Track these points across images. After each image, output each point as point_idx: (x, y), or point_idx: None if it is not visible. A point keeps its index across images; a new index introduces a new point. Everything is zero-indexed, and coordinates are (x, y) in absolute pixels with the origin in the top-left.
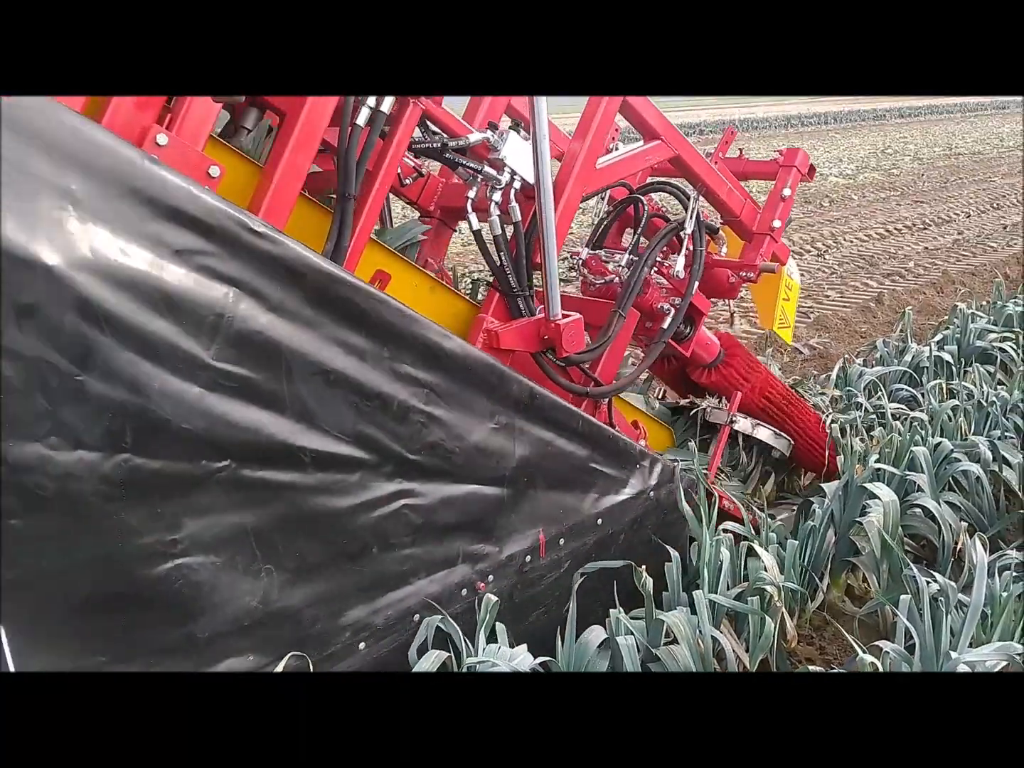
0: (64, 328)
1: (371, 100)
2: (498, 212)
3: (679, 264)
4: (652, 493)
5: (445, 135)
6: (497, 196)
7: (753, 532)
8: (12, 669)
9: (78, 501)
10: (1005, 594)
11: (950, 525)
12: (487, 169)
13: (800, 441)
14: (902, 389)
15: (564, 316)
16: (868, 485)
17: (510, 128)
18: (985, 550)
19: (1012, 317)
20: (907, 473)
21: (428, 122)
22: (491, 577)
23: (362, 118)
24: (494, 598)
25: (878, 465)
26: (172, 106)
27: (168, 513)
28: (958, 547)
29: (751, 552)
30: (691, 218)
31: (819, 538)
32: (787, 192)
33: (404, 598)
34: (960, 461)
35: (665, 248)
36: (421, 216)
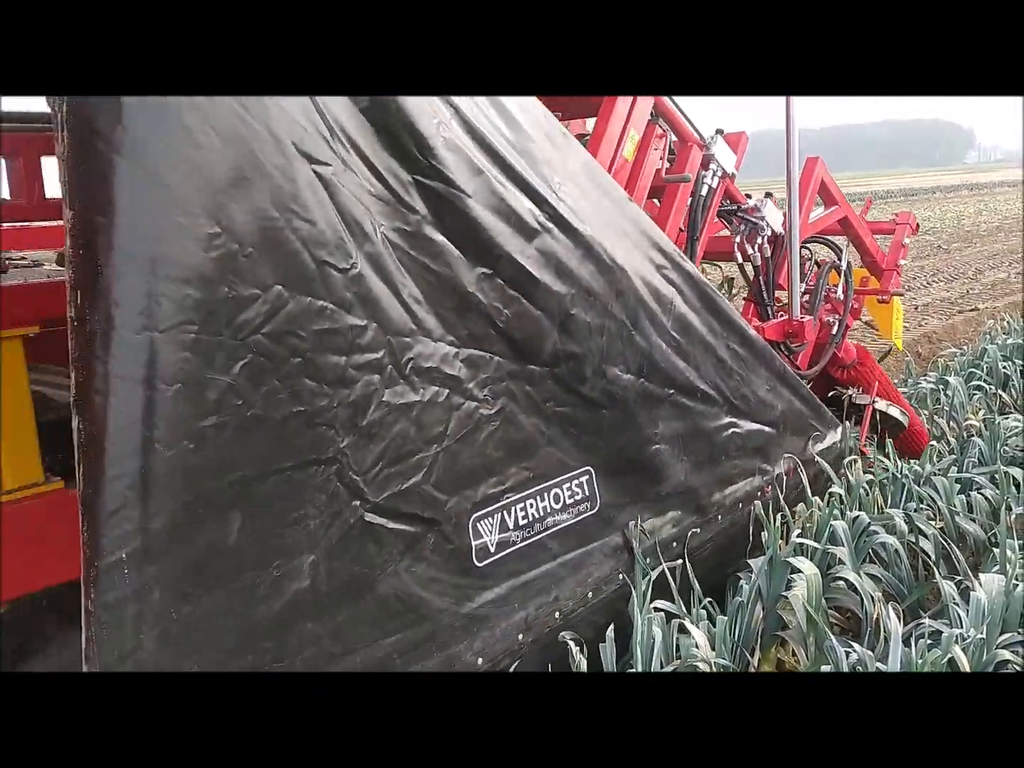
0: (629, 302)
1: (706, 179)
2: (757, 252)
3: (839, 290)
4: (838, 445)
5: (730, 202)
6: (759, 240)
7: (684, 610)
8: (599, 501)
9: (628, 403)
10: (920, 661)
11: (871, 596)
12: (760, 224)
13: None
14: None
15: (803, 317)
16: (791, 560)
17: (765, 196)
18: (900, 620)
19: (925, 393)
20: (828, 547)
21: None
22: (769, 487)
23: (703, 191)
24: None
25: (800, 540)
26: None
27: (654, 416)
28: (875, 617)
29: (683, 629)
30: (844, 261)
31: (748, 614)
32: (906, 241)
33: (734, 491)
34: (878, 533)
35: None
36: None
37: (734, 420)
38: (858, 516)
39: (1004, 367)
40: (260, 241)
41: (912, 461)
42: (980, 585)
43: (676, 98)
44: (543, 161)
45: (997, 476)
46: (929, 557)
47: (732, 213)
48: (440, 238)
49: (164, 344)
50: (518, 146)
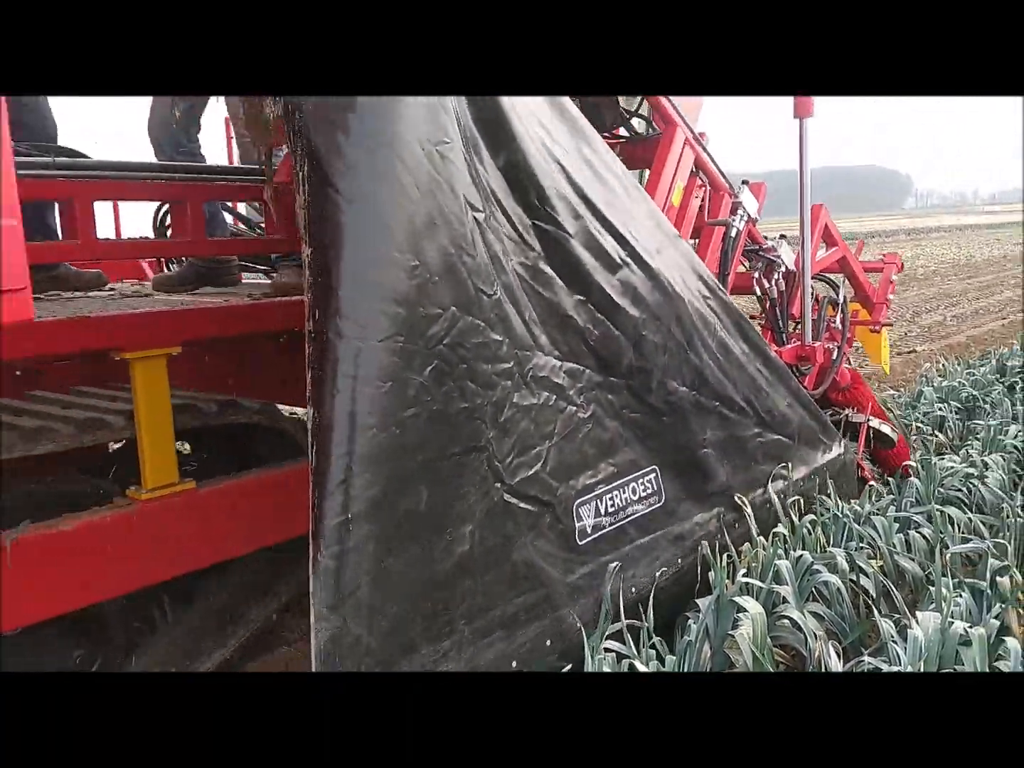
0: (685, 326)
1: (735, 222)
2: (774, 286)
3: (838, 320)
4: (840, 457)
5: (752, 242)
6: (776, 276)
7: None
8: (663, 495)
9: (684, 412)
10: None
11: (814, 634)
12: (778, 262)
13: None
14: None
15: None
16: (737, 599)
17: (779, 237)
18: (841, 658)
19: None
20: (773, 586)
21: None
22: (790, 490)
23: (732, 233)
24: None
25: (746, 580)
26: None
27: (703, 425)
28: (817, 655)
29: (632, 669)
30: (841, 295)
31: (695, 653)
32: (894, 278)
33: (763, 492)
34: (821, 572)
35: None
36: None
37: (761, 431)
38: (801, 555)
39: (940, 408)
40: (442, 271)
41: (852, 501)
42: (917, 623)
43: (712, 153)
44: (621, 208)
45: (933, 515)
46: (869, 595)
47: (754, 252)
48: (549, 270)
49: (381, 351)
50: (604, 196)
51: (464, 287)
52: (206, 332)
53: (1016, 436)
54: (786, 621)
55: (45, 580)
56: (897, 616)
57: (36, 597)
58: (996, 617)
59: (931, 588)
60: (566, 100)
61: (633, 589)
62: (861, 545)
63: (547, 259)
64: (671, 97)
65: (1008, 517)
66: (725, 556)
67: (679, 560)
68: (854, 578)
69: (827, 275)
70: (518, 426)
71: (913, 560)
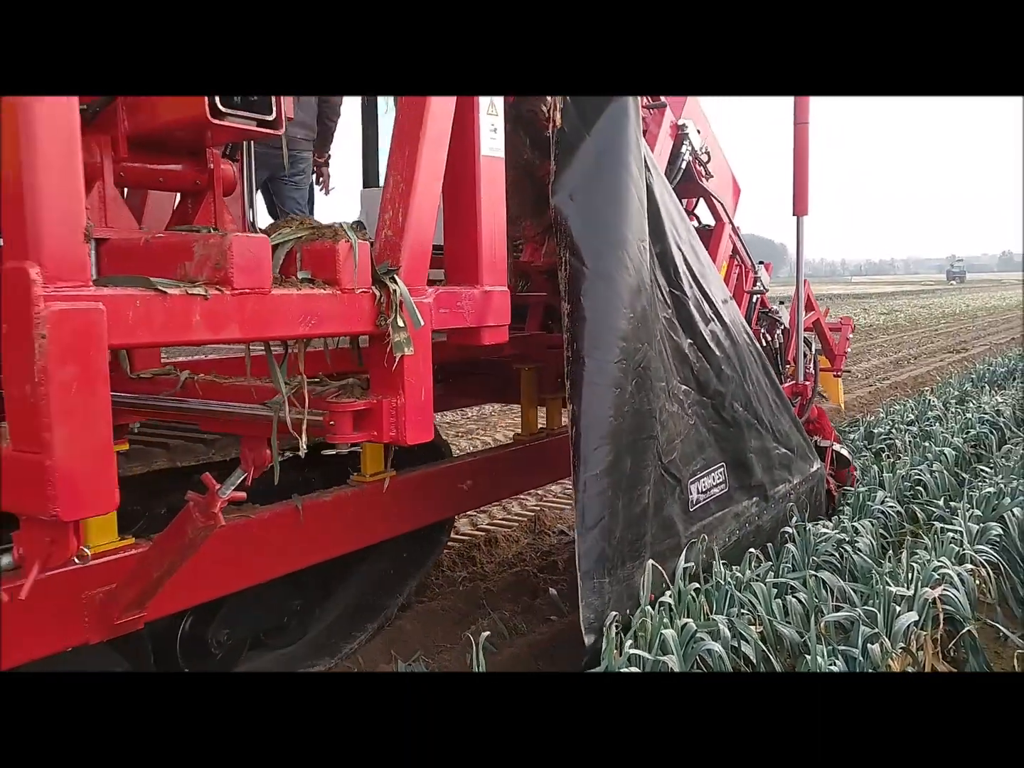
0: (743, 363)
1: (756, 292)
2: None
3: (811, 365)
4: (818, 471)
5: (762, 306)
6: (777, 331)
7: None
8: (728, 484)
9: (741, 426)
10: None
11: None
12: (781, 321)
13: None
14: None
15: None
16: (624, 671)
17: (779, 304)
18: None
19: None
20: (659, 656)
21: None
22: (792, 491)
23: (754, 299)
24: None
25: (632, 650)
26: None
27: (749, 436)
28: None
29: None
30: (813, 348)
31: None
32: (850, 336)
33: (779, 490)
34: (704, 640)
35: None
36: None
37: (776, 445)
38: (686, 624)
39: None
40: (641, 320)
41: (735, 567)
42: None
43: (743, 240)
44: (707, 278)
45: (807, 581)
46: (750, 662)
47: (764, 313)
48: (677, 322)
49: (614, 368)
50: (700, 270)
51: (648, 330)
52: None
53: (883, 502)
54: None
55: (318, 533)
56: None
57: (318, 546)
58: None
59: (807, 657)
60: (679, 205)
61: (715, 547)
62: (743, 611)
63: (676, 314)
64: (721, 201)
65: (877, 584)
66: (614, 627)
67: (737, 532)
68: (735, 644)
69: (805, 333)
70: (667, 425)
71: (791, 625)
